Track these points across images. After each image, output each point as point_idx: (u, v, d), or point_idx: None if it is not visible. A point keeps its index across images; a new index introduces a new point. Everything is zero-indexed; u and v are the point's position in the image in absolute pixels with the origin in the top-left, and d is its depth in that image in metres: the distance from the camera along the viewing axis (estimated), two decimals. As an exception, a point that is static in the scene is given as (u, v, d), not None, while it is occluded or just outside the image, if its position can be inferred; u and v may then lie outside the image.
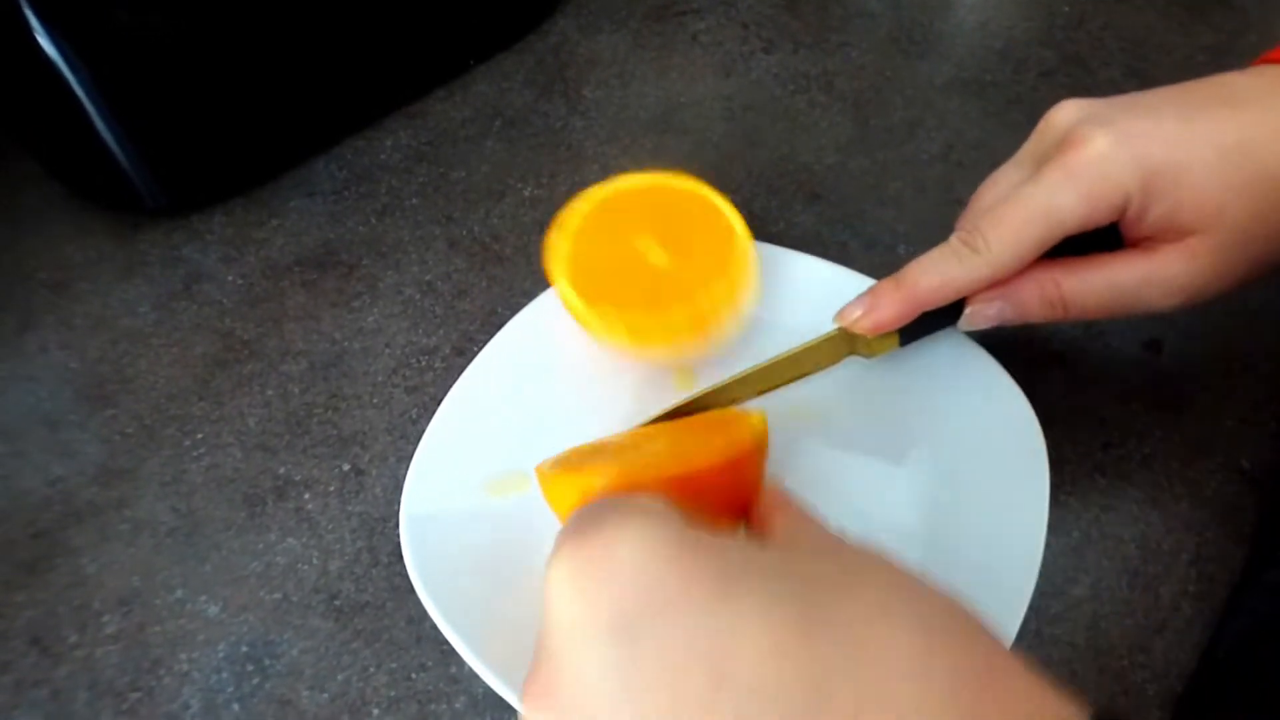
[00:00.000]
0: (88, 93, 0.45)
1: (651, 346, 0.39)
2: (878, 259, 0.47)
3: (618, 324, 0.37)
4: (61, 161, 0.51)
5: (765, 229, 0.48)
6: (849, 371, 0.41)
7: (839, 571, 0.21)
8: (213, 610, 0.37)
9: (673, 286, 0.37)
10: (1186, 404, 0.42)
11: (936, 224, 0.49)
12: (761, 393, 0.37)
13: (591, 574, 0.22)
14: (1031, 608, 0.34)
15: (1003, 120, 0.53)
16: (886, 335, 0.37)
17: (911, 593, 0.21)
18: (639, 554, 0.21)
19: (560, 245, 0.39)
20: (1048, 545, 0.35)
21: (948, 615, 0.21)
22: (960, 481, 0.37)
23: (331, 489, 0.41)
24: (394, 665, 0.36)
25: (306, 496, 0.40)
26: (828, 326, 0.42)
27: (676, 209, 0.40)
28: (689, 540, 0.22)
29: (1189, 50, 0.57)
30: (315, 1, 0.49)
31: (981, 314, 0.35)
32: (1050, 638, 0.36)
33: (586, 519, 0.24)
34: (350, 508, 0.40)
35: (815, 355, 0.38)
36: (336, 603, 0.37)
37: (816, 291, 0.43)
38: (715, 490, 0.29)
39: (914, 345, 0.41)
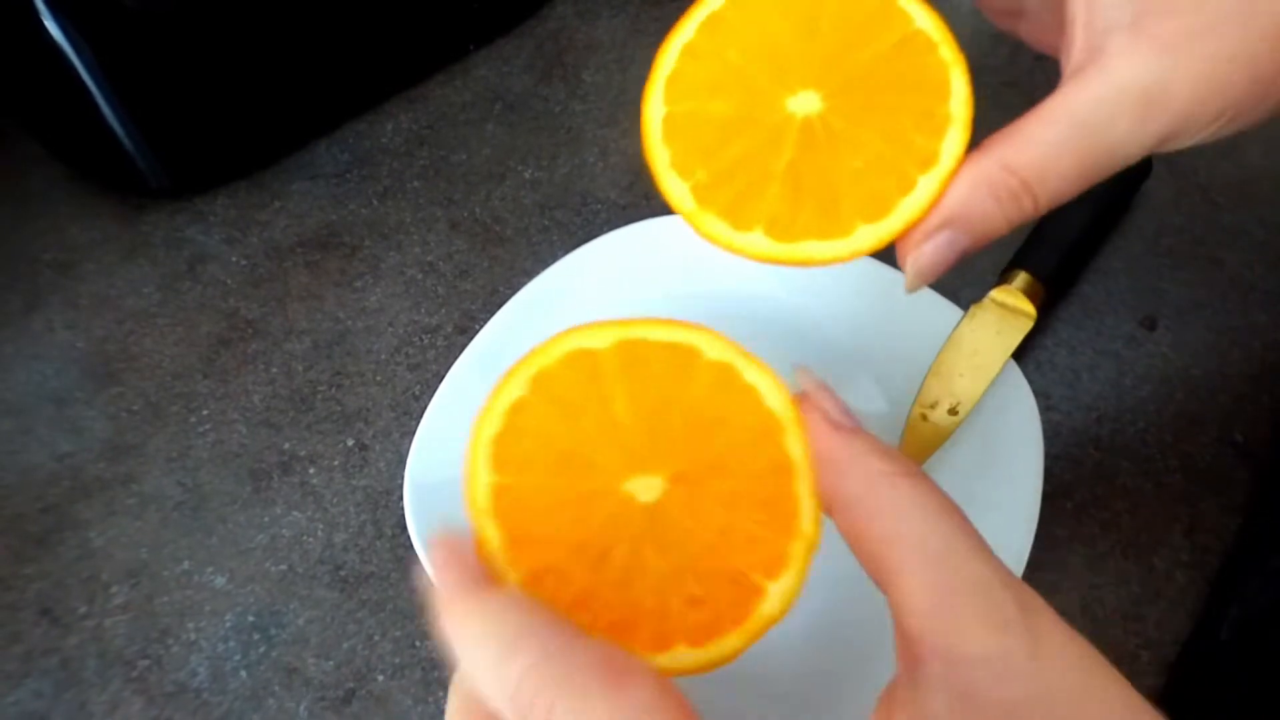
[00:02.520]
0: (93, 75, 0.46)
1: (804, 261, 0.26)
2: (875, 238, 0.48)
3: (764, 253, 0.26)
4: (65, 143, 0.51)
5: (764, 209, 0.49)
6: (847, 341, 0.42)
7: None
8: (220, 581, 0.38)
9: (857, 191, 0.25)
10: (1180, 379, 0.42)
11: (933, 204, 0.49)
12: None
13: None
14: (1027, 577, 0.34)
15: (998, 102, 0.53)
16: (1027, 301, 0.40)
17: None
18: None
19: (664, 65, 0.27)
20: (1043, 516, 0.36)
21: None
22: (956, 455, 0.38)
23: (336, 464, 0.41)
24: (398, 633, 0.36)
25: (311, 471, 0.41)
26: (826, 308, 0.43)
27: (865, 45, 0.26)
28: None
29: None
30: (317, -15, 0.49)
31: (929, 260, 0.25)
32: (1045, 606, 0.36)
33: None
34: (354, 482, 0.40)
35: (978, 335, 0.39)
36: (341, 573, 0.38)
37: (816, 271, 0.43)
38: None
39: (911, 320, 0.41)
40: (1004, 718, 0.17)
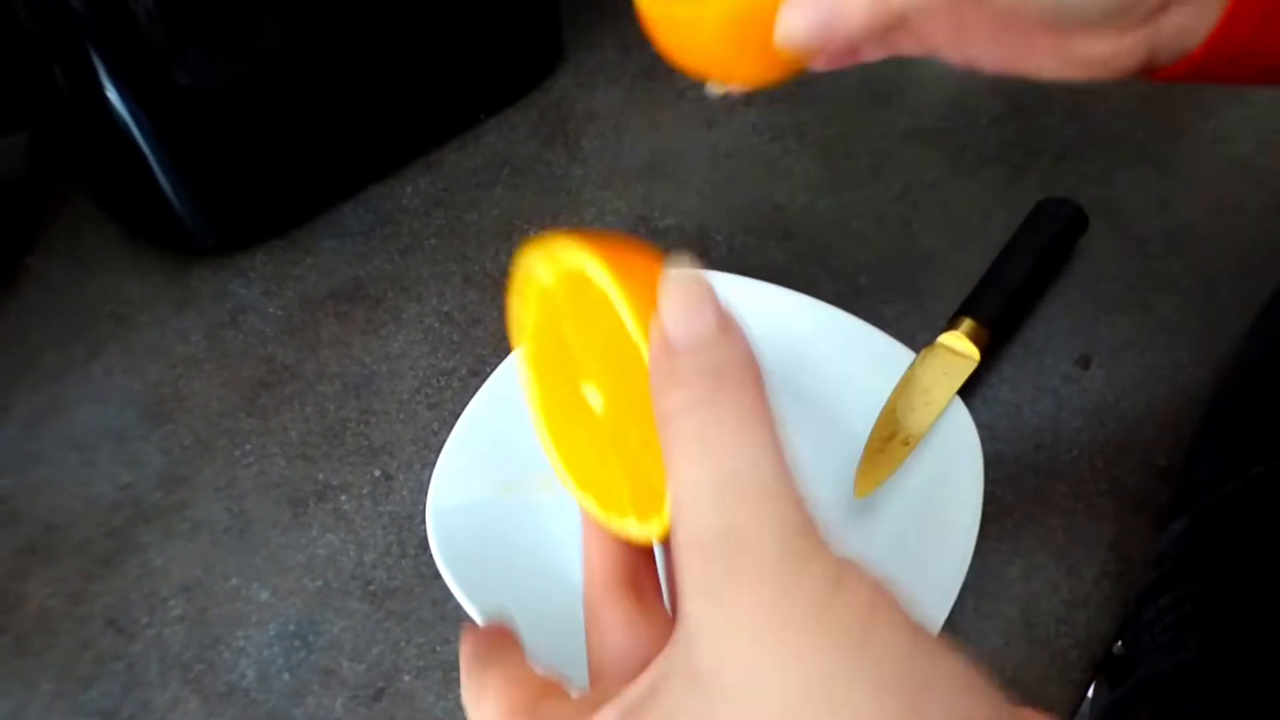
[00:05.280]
0: (149, 144, 0.52)
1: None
2: (842, 288, 0.53)
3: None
4: (122, 206, 0.58)
5: (743, 262, 0.55)
6: (813, 381, 0.47)
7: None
8: (264, 595, 0.43)
9: None
10: (1111, 411, 0.48)
11: (895, 257, 0.55)
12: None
13: None
14: (970, 587, 0.40)
15: (955, 164, 0.60)
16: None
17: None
18: None
19: None
20: (984, 533, 0.41)
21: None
22: (908, 480, 0.43)
23: (364, 491, 0.46)
24: (422, 640, 0.42)
25: (343, 498, 0.46)
26: (795, 352, 0.48)
27: None
28: None
29: (1124, 98, 0.63)
30: (345, 68, 0.56)
31: (797, 13, 0.27)
32: (986, 612, 0.42)
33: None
34: (381, 507, 0.46)
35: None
36: (371, 588, 0.43)
37: (787, 320, 0.49)
38: None
39: (869, 362, 0.47)
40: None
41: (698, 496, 0.18)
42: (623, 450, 0.24)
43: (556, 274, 0.24)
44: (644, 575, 0.25)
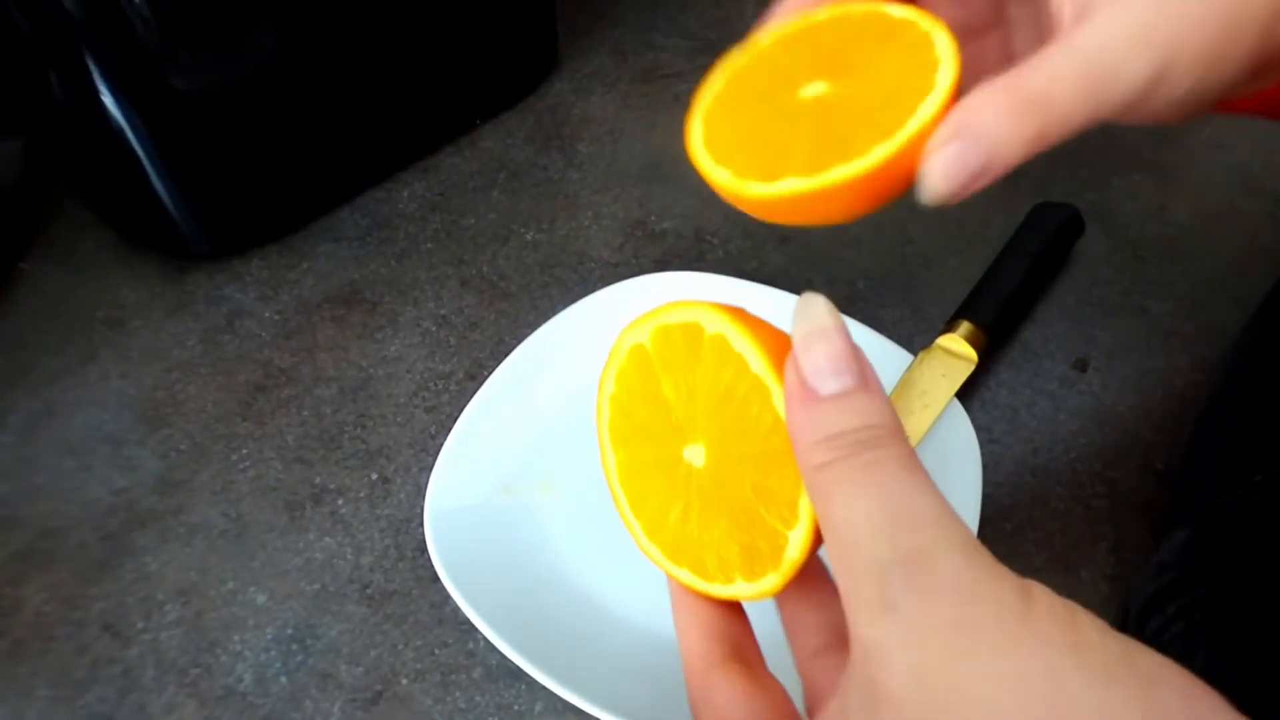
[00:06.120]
0: (145, 149, 0.52)
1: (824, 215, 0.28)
2: (839, 293, 0.53)
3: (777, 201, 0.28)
4: (116, 211, 0.58)
5: (740, 266, 0.55)
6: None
7: None
8: (261, 599, 0.43)
9: (847, 137, 0.27)
10: (1108, 415, 0.48)
11: (892, 261, 0.55)
12: None
13: None
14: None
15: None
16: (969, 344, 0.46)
17: None
18: None
19: (699, 109, 0.30)
20: (982, 536, 0.41)
21: None
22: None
23: (362, 495, 0.46)
24: (419, 643, 0.41)
25: (340, 502, 0.46)
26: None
27: (858, 45, 0.29)
28: None
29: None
30: (341, 73, 0.56)
31: (940, 170, 0.25)
32: (986, 614, 0.42)
33: None
34: (378, 511, 0.46)
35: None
36: (368, 591, 0.43)
37: (784, 324, 0.49)
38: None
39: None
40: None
41: (869, 527, 0.19)
42: (732, 506, 0.25)
43: (657, 334, 0.26)
44: (746, 645, 0.25)
